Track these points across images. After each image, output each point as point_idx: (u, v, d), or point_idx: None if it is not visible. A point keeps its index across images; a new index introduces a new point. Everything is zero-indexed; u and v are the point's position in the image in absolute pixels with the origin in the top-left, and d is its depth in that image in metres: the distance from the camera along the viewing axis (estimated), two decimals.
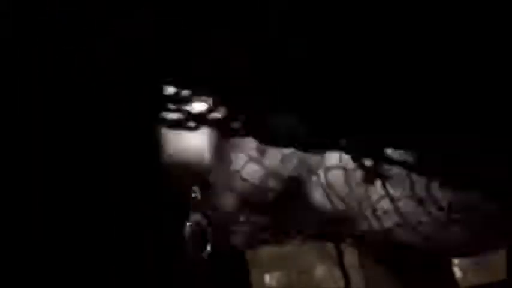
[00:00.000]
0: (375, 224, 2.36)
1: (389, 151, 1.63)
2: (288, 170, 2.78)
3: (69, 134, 1.52)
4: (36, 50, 1.52)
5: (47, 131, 1.50)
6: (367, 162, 1.64)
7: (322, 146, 1.69)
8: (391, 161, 1.80)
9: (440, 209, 2.05)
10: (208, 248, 2.84)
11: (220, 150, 2.82)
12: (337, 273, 3.31)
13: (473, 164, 1.62)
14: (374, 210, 2.32)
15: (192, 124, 2.02)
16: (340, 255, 3.14)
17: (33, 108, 1.50)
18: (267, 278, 3.33)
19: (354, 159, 1.63)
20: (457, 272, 2.99)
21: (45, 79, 1.51)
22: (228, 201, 2.87)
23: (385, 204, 2.25)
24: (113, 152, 1.58)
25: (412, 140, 1.59)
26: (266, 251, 3.34)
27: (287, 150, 2.73)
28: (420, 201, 2.09)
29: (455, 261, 2.91)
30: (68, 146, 1.52)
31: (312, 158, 2.60)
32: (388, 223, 2.29)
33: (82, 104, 1.53)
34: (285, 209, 2.98)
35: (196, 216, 2.83)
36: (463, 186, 1.73)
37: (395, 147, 1.65)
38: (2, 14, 1.50)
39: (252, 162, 2.76)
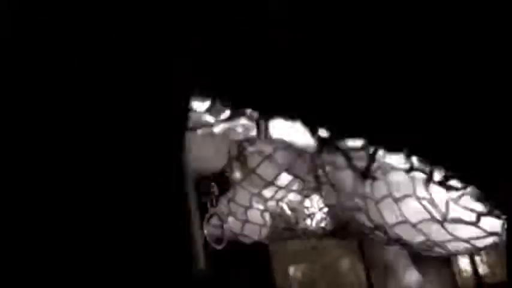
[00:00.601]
0: (379, 221, 2.27)
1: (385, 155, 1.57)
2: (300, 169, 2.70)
3: (69, 135, 1.42)
4: (36, 50, 1.42)
5: (47, 131, 1.40)
6: (360, 164, 1.58)
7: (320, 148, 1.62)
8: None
9: (438, 208, 1.96)
10: (225, 240, 2.78)
11: (239, 150, 2.74)
12: (360, 266, 3.22)
13: (471, 165, 1.51)
14: (378, 208, 2.24)
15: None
16: (362, 250, 3.06)
17: (33, 108, 1.40)
18: (291, 270, 3.25)
19: (347, 160, 1.55)
20: (485, 269, 2.88)
21: (45, 79, 1.41)
22: (244, 197, 2.81)
23: (388, 202, 2.18)
24: (117, 153, 1.46)
25: (408, 143, 1.50)
26: (291, 244, 3.25)
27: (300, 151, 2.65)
28: (420, 201, 2.01)
29: (484, 257, 2.81)
30: (68, 146, 1.41)
31: (322, 159, 2.52)
32: (391, 220, 2.21)
33: (82, 104, 1.42)
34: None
35: (213, 210, 2.77)
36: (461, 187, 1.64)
37: (392, 151, 1.58)
38: (2, 14, 1.41)
39: (267, 161, 2.69)
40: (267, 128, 1.55)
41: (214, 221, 2.75)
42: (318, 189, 2.70)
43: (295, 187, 2.77)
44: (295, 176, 2.75)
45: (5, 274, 1.35)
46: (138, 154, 1.47)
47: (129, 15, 1.41)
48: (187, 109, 1.50)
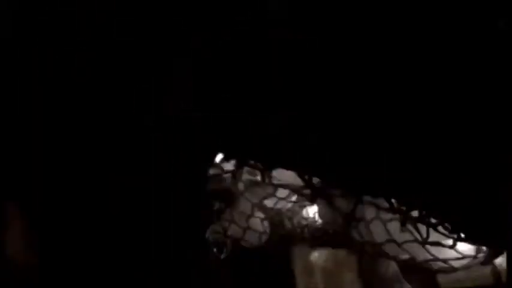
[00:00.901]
0: (369, 239, 2.28)
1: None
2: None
3: (69, 134, 1.40)
4: (36, 50, 1.40)
5: (47, 131, 1.39)
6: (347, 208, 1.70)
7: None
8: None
9: (419, 232, 1.98)
10: (226, 250, 2.84)
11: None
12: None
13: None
14: (368, 229, 2.25)
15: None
16: None
17: (33, 108, 1.38)
18: (315, 255, 3.20)
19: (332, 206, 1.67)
20: (503, 265, 2.83)
21: (45, 79, 1.39)
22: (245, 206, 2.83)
23: (377, 224, 2.19)
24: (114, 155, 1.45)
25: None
26: None
27: None
28: (404, 224, 2.02)
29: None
30: (68, 146, 1.40)
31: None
32: (379, 239, 2.22)
33: (82, 104, 1.41)
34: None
35: (216, 224, 2.81)
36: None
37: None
38: (2, 14, 1.39)
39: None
40: (270, 177, 1.71)
41: (218, 230, 2.78)
42: (314, 201, 2.71)
43: (293, 198, 2.78)
44: (293, 190, 2.76)
45: (5, 273, 1.35)
46: (137, 154, 1.45)
47: (129, 15, 1.38)
48: (188, 110, 1.49)
